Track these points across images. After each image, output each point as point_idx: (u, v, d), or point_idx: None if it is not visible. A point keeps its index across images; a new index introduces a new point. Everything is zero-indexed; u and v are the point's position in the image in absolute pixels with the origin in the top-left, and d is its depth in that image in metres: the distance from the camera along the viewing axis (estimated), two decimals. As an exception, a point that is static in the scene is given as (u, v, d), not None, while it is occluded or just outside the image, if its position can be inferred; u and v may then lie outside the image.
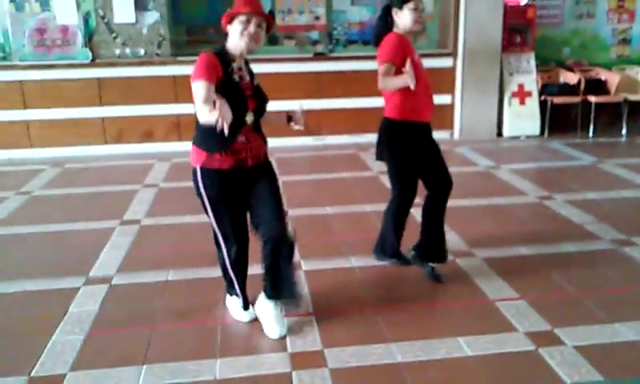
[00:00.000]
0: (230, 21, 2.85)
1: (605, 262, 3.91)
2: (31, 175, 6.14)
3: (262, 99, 3.00)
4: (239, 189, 2.99)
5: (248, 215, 3.11)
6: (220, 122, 2.50)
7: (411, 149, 3.61)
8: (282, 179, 5.95)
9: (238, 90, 2.85)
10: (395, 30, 3.57)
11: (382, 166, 6.06)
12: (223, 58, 2.85)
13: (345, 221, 4.76)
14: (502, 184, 5.63)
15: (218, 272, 3.39)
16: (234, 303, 3.33)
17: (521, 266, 3.88)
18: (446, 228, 4.15)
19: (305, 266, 3.91)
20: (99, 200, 5.39)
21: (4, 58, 6.89)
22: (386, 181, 5.66)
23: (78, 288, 3.66)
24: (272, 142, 7.20)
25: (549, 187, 5.43)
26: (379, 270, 3.86)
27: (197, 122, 2.82)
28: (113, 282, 3.74)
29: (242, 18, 2.81)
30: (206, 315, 3.34)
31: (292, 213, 4.87)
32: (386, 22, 3.59)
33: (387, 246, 3.90)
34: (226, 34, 2.90)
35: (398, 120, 3.56)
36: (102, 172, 6.28)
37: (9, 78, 6.77)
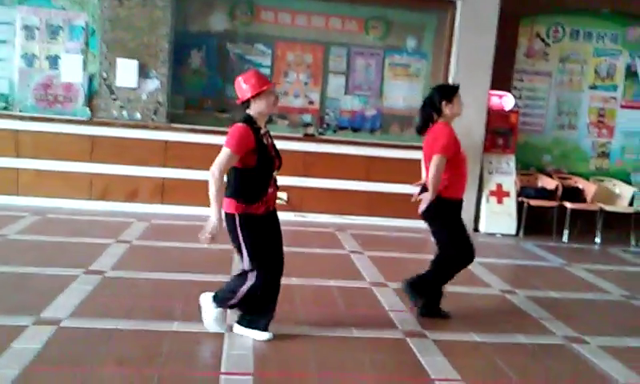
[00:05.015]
0: (258, 95, 3.56)
1: (552, 356, 3.93)
2: (12, 220, 6.24)
3: (280, 157, 3.74)
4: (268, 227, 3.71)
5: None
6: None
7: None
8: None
9: (267, 151, 3.62)
10: (442, 119, 4.21)
11: (355, 246, 6.25)
12: (253, 126, 3.58)
13: (307, 292, 4.79)
14: (469, 275, 5.62)
15: (165, 326, 3.75)
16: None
17: (469, 351, 3.90)
18: (404, 307, 4.37)
19: (255, 329, 3.94)
20: (70, 249, 5.46)
21: (5, 108, 7.17)
22: (355, 260, 5.81)
23: (26, 326, 3.68)
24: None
25: (513, 282, 5.50)
26: (329, 339, 3.89)
27: (235, 178, 3.57)
28: (62, 325, 3.77)
29: (273, 90, 3.66)
30: (146, 364, 3.36)
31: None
32: (432, 113, 4.22)
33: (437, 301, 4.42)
34: (243, 107, 3.63)
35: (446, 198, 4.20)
36: (81, 225, 6.38)
37: (5, 127, 7.01)
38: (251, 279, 3.65)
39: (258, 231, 3.62)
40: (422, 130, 4.30)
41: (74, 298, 4.23)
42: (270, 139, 3.72)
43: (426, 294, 4.37)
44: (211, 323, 3.78)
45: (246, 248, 3.62)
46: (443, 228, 4.30)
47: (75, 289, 4.41)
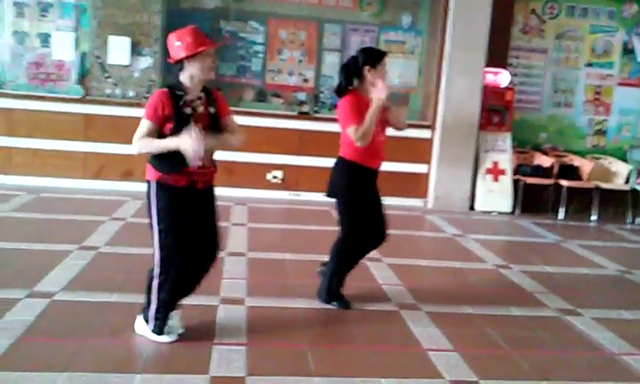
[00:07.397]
0: (192, 56, 3.10)
1: (545, 327, 3.94)
2: (4, 199, 6.20)
3: (216, 128, 3.21)
4: (189, 205, 3.19)
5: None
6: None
7: (363, 191, 3.83)
8: (249, 226, 6.04)
9: (185, 122, 3.09)
10: (358, 86, 3.76)
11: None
12: (176, 92, 3.15)
13: (301, 267, 4.78)
14: (464, 250, 5.69)
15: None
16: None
17: (462, 322, 3.90)
18: (397, 281, 4.28)
19: (249, 302, 3.94)
20: (64, 226, 5.44)
21: (-3, 87, 7.11)
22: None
23: (19, 299, 3.67)
24: (247, 193, 7.27)
25: (508, 258, 5.49)
26: (322, 312, 3.89)
27: None
28: (55, 298, 3.76)
29: (210, 52, 3.17)
30: (136, 333, 3.36)
31: (251, 255, 4.96)
32: (352, 77, 3.75)
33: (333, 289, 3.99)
34: (177, 67, 3.19)
35: (356, 162, 3.79)
36: (75, 203, 6.34)
37: (-2, 105, 6.96)
38: (157, 271, 3.23)
39: (173, 207, 3.15)
40: (341, 92, 3.78)
41: (67, 272, 4.22)
42: (206, 108, 3.22)
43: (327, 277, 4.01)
44: (158, 339, 3.28)
45: (158, 225, 3.16)
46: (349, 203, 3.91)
47: (68, 264, 4.40)
